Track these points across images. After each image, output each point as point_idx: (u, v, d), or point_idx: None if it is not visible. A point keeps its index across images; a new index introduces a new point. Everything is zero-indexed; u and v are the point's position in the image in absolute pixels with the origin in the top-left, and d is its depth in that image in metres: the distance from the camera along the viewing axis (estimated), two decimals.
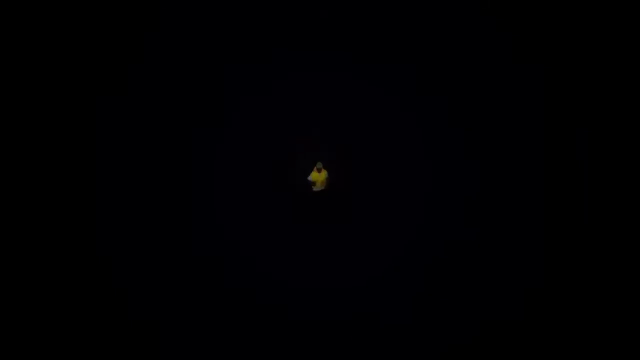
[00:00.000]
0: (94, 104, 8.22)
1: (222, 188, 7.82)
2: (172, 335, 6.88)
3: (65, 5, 8.71)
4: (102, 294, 7.08)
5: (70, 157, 7.90)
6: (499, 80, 8.37)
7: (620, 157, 7.76)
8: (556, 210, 7.55)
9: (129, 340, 6.84)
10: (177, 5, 8.84)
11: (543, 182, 7.73)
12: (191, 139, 8.07)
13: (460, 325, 6.92)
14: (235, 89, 8.45)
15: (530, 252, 7.33)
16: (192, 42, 8.67)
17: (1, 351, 6.72)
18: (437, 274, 7.23)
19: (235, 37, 8.73)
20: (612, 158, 7.75)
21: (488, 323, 6.94)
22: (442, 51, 8.57)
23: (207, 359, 6.77)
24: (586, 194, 7.58)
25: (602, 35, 8.43)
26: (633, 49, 8.30)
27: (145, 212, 7.59)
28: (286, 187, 7.85)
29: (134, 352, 6.76)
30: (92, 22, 8.67)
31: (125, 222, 7.52)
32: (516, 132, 8.04)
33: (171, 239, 7.44)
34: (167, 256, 7.34)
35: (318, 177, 8.18)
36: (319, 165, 8.06)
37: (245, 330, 6.90)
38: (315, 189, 8.18)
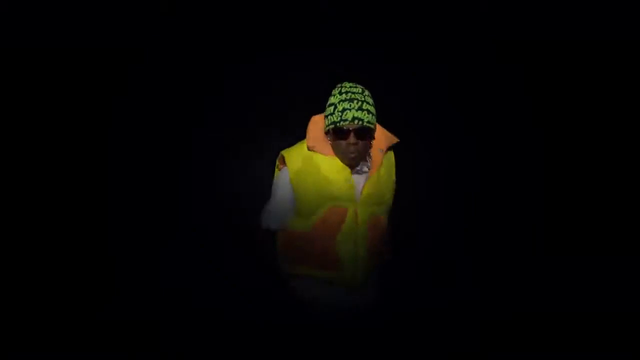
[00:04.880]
0: (93, 104, 8.22)
1: (222, 188, 7.83)
2: (172, 335, 6.88)
3: (65, 5, 8.71)
4: (102, 294, 7.10)
5: (68, 156, 7.90)
6: (499, 80, 8.37)
7: (620, 157, 7.77)
8: (556, 210, 7.56)
9: (129, 340, 6.85)
10: (177, 5, 8.84)
11: (543, 182, 7.74)
12: (191, 139, 8.08)
13: (460, 325, 6.93)
14: (235, 89, 8.45)
15: (530, 252, 7.34)
16: (192, 42, 8.67)
17: (2, 349, 6.73)
18: (437, 273, 7.24)
19: (235, 37, 8.73)
20: (613, 158, 7.76)
21: (488, 323, 6.95)
22: (442, 51, 8.58)
23: (207, 359, 6.77)
24: (586, 194, 7.60)
25: (602, 36, 8.44)
26: (633, 49, 8.31)
27: (145, 212, 7.60)
28: None
29: (134, 352, 6.77)
30: (92, 21, 8.67)
31: (124, 222, 7.53)
32: (516, 132, 8.05)
33: (171, 239, 7.45)
34: (167, 256, 7.35)
35: (330, 181, 3.69)
36: (352, 113, 3.53)
37: (245, 330, 6.91)
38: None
